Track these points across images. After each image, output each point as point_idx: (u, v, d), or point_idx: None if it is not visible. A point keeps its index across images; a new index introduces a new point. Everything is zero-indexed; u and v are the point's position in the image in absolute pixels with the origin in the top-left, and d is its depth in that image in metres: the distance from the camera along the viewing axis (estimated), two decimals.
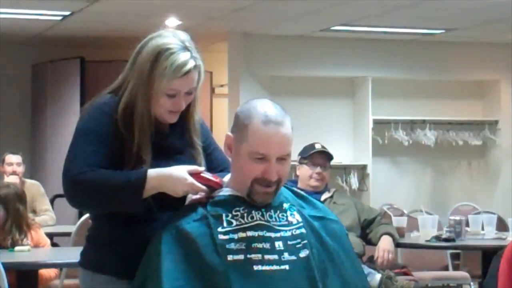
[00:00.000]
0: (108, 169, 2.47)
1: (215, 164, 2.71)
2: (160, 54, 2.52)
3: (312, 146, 5.48)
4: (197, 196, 2.53)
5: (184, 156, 2.60)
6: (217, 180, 2.52)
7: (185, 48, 2.55)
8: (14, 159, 7.29)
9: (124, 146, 2.51)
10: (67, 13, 8.12)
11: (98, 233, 2.61)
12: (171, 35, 2.58)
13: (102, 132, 2.50)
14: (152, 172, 2.47)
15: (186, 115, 2.62)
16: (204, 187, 2.50)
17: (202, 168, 2.54)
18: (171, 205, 2.52)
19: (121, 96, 2.55)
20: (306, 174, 5.40)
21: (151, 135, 2.53)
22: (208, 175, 2.52)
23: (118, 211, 2.51)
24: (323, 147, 5.48)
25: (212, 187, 2.52)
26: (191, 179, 2.47)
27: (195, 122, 2.65)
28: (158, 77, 2.50)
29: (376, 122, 9.50)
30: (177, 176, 2.47)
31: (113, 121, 2.51)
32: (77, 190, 2.48)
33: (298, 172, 5.45)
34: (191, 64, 2.53)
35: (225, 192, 2.52)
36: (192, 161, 2.59)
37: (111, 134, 2.50)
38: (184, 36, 2.60)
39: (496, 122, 9.96)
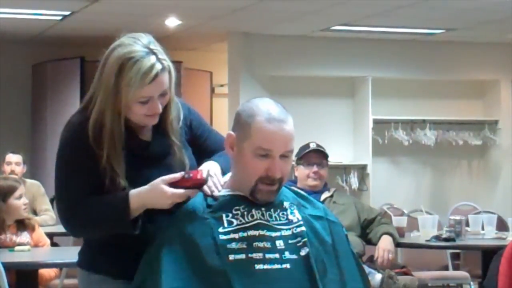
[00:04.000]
0: (93, 195, 2.48)
1: (215, 146, 2.69)
2: (124, 64, 2.45)
3: (306, 145, 5.46)
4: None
5: (167, 163, 2.57)
6: (199, 176, 2.46)
7: (150, 52, 2.47)
8: (13, 159, 7.29)
9: (99, 164, 2.48)
10: (67, 13, 8.12)
11: None
12: (132, 41, 2.49)
13: (80, 158, 2.49)
14: (133, 193, 2.46)
15: (163, 117, 2.57)
16: (188, 191, 2.46)
17: (179, 175, 2.47)
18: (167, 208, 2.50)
19: (91, 111, 2.51)
20: (303, 174, 5.39)
21: (122, 147, 2.49)
22: (187, 176, 2.46)
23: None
24: (318, 145, 5.46)
25: (197, 185, 2.46)
26: (170, 190, 2.44)
27: (172, 122, 2.59)
28: (125, 88, 2.44)
29: (376, 122, 9.50)
30: (155, 192, 2.44)
31: (87, 142, 2.48)
32: (70, 224, 2.54)
33: (296, 173, 5.43)
34: (157, 68, 2.45)
35: (224, 193, 2.52)
36: (174, 166, 2.56)
37: (88, 157, 2.48)
38: (146, 39, 2.51)
39: (496, 122, 9.96)
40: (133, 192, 2.46)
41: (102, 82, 2.50)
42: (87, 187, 2.49)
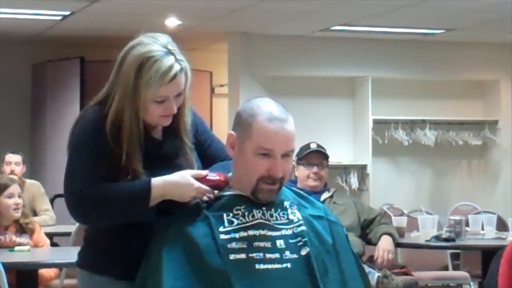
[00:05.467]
0: (109, 182, 2.46)
1: (216, 154, 2.70)
2: (143, 63, 2.45)
3: (307, 146, 5.45)
4: (205, 198, 2.51)
5: (178, 163, 2.57)
6: (222, 178, 2.51)
7: (168, 53, 2.48)
8: (13, 159, 7.29)
9: (115, 161, 2.47)
10: (67, 13, 8.12)
11: (96, 235, 2.60)
12: (151, 41, 2.50)
13: (97, 146, 2.47)
14: (157, 180, 2.45)
15: (176, 118, 2.58)
16: (210, 189, 2.49)
17: (205, 172, 2.51)
18: (168, 207, 2.49)
19: (108, 110, 2.50)
20: (304, 174, 5.38)
21: (141, 146, 2.49)
22: (212, 176, 2.50)
23: (126, 221, 2.49)
24: (318, 146, 5.45)
25: (219, 187, 2.51)
26: (197, 184, 2.46)
27: (185, 123, 2.61)
28: (144, 87, 2.45)
29: (376, 122, 9.50)
30: (183, 182, 2.46)
31: (104, 137, 2.48)
32: (83, 206, 2.47)
33: (296, 173, 5.43)
34: (176, 68, 2.47)
35: (225, 192, 2.52)
36: (187, 166, 2.57)
37: (105, 149, 2.47)
38: (165, 39, 2.52)
39: (496, 122, 9.96)
40: (156, 179, 2.45)
41: (120, 81, 2.49)
42: (104, 172, 2.46)
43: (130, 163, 2.47)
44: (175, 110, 2.53)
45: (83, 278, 2.62)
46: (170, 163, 2.56)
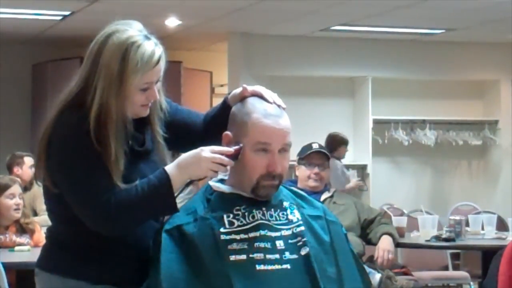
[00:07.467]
0: (121, 185, 2.34)
1: (200, 116, 2.65)
2: (128, 50, 2.36)
3: (309, 146, 5.45)
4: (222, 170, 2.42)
5: (154, 158, 2.51)
6: (232, 148, 2.42)
7: (146, 37, 2.41)
8: (32, 162, 7.20)
9: (103, 161, 2.34)
10: (67, 13, 8.12)
11: (70, 237, 2.47)
12: (127, 27, 2.43)
13: (91, 154, 2.34)
14: (170, 167, 2.37)
15: (152, 107, 2.48)
16: (227, 159, 2.38)
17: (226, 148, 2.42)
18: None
19: (88, 107, 2.37)
20: (304, 174, 5.38)
21: (126, 140, 2.39)
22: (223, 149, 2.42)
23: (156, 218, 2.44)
24: (320, 146, 5.45)
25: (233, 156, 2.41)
26: (210, 154, 2.35)
27: (159, 111, 2.52)
28: (131, 74, 2.35)
29: (376, 122, 9.51)
30: (197, 156, 2.35)
31: (91, 140, 2.34)
32: (115, 217, 2.33)
33: (297, 173, 5.43)
34: (158, 51, 2.40)
35: (225, 188, 2.51)
36: (161, 158, 2.51)
37: (96, 154, 2.34)
38: (138, 25, 2.46)
39: (496, 122, 9.97)
40: (169, 166, 2.37)
41: (100, 72, 2.40)
42: (111, 178, 2.33)
43: (117, 163, 2.35)
44: (157, 96, 2.45)
45: (52, 282, 2.47)
46: (150, 156, 2.50)
